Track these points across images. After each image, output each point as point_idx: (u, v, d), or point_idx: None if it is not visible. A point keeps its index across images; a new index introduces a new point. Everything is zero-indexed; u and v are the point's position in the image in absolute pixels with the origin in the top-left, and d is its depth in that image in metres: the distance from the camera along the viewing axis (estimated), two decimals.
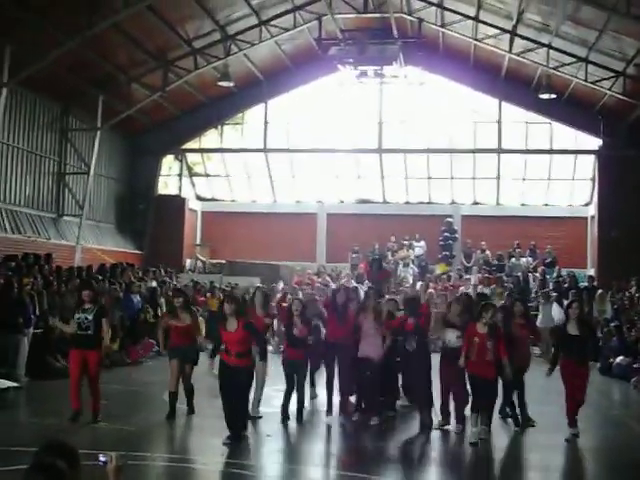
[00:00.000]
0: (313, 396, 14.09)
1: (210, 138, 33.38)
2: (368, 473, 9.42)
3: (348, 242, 30.40)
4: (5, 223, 23.58)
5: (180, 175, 33.46)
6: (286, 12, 26.71)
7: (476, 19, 25.81)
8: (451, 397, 12.02)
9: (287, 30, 27.29)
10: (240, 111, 32.68)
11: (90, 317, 11.63)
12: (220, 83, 27.67)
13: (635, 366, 18.01)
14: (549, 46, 25.30)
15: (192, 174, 34.28)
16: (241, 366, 10.53)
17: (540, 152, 31.07)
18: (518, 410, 12.16)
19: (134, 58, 25.76)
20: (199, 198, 34.32)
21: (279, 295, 22.56)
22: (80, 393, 11.53)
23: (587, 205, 31.24)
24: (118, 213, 30.94)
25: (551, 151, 30.93)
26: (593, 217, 30.10)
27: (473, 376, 11.24)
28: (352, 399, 12.95)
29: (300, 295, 20.18)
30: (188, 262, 32.14)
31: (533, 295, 25.96)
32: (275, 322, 15.33)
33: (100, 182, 29.41)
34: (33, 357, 16.02)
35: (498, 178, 31.72)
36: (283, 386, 12.39)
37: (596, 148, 29.75)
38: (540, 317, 22.20)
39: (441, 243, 30.59)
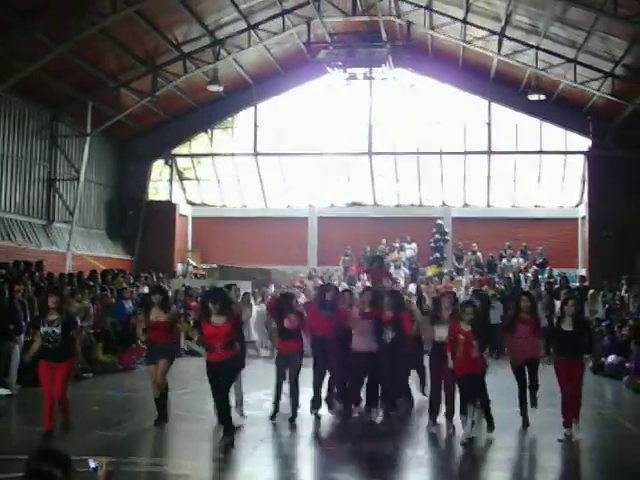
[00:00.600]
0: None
1: (200, 142, 33.38)
2: (361, 476, 9.43)
3: (339, 245, 30.42)
4: None
5: (170, 180, 33.42)
6: (275, 16, 26.72)
7: (464, 21, 25.85)
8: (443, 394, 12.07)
9: (276, 34, 27.32)
10: (230, 115, 32.70)
11: (58, 330, 10.86)
12: (209, 87, 27.66)
13: (627, 365, 18.04)
14: (538, 47, 25.36)
15: (182, 179, 34.26)
16: (229, 357, 10.49)
17: (530, 153, 31.14)
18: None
19: (123, 63, 25.74)
20: (190, 203, 34.30)
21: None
22: (54, 411, 10.91)
23: (577, 206, 31.34)
24: (108, 219, 30.87)
25: (541, 152, 30.99)
26: (584, 217, 30.18)
27: (460, 377, 11.13)
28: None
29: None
30: (179, 267, 32.09)
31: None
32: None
33: (90, 188, 29.35)
34: (25, 365, 15.94)
35: (488, 179, 31.80)
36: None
37: (586, 149, 29.84)
38: None
39: (432, 245, 30.67)
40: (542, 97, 27.05)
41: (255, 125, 32.46)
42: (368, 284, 23.81)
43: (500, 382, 12.79)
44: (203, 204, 34.34)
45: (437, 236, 30.76)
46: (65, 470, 4.01)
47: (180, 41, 25.82)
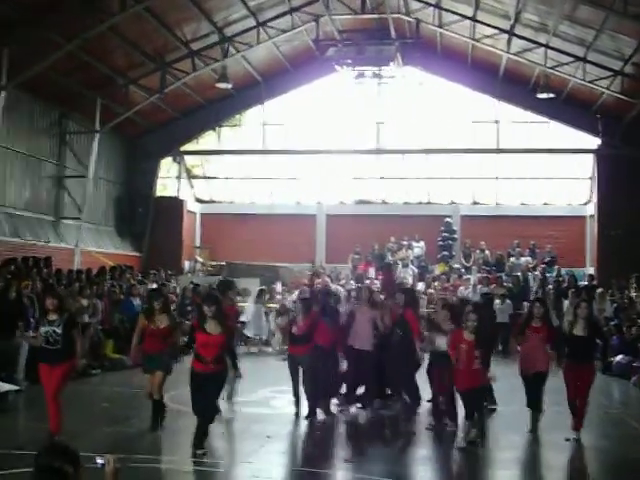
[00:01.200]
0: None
1: (208, 140, 33.40)
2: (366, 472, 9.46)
3: (347, 243, 30.39)
4: (4, 227, 23.56)
5: (179, 177, 33.45)
6: (284, 14, 26.70)
7: (474, 19, 25.81)
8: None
9: (285, 31, 27.30)
10: (238, 112, 32.71)
11: (59, 330, 10.55)
12: (218, 85, 27.64)
13: (635, 365, 18.02)
14: (547, 46, 25.30)
15: (191, 176, 34.30)
16: (217, 373, 10.07)
17: (539, 151, 31.08)
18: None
19: (132, 61, 25.76)
20: (198, 200, 34.33)
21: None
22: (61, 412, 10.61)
23: (586, 204, 31.25)
24: (117, 216, 30.90)
25: (550, 150, 30.92)
26: (592, 216, 30.11)
27: (461, 392, 11.00)
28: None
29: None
30: (187, 264, 32.14)
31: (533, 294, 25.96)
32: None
33: (99, 185, 29.37)
34: (33, 361, 15.98)
35: (497, 178, 31.79)
36: (283, 387, 12.43)
37: (595, 147, 29.77)
38: None
39: (440, 243, 30.61)
40: (551, 95, 27.00)
41: (263, 123, 32.49)
42: (377, 282, 23.98)
43: (506, 381, 12.76)
44: (211, 201, 34.36)
45: (445, 234, 30.70)
46: (75, 466, 4.04)
47: (189, 38, 25.83)
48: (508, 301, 22.94)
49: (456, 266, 29.20)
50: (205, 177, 34.39)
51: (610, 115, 28.19)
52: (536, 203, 31.89)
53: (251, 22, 26.42)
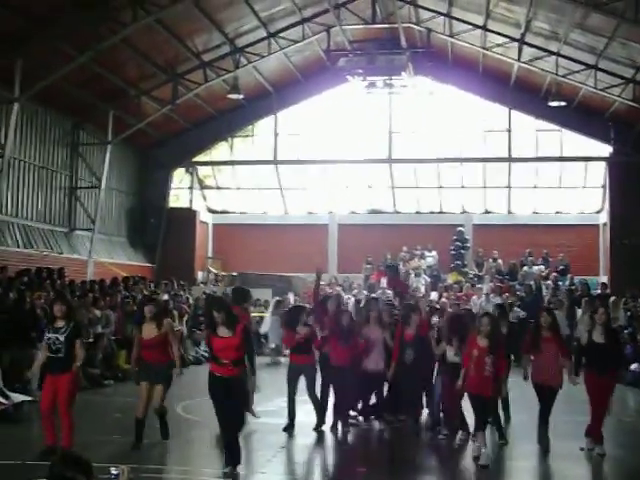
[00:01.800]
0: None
1: (220, 151, 33.50)
2: None
3: (360, 253, 30.41)
4: (18, 238, 23.68)
5: (191, 188, 33.54)
6: (295, 24, 26.79)
7: (484, 28, 25.83)
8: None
9: (296, 42, 27.39)
10: (250, 123, 32.76)
11: (62, 338, 10.25)
12: (230, 96, 27.74)
13: None
14: (558, 54, 25.29)
15: (203, 187, 34.39)
16: (236, 376, 9.61)
17: (550, 160, 31.05)
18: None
19: (144, 72, 25.88)
20: (210, 211, 34.40)
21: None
22: (54, 425, 10.33)
23: (599, 212, 31.15)
24: (130, 227, 31.01)
25: (561, 159, 30.89)
26: (605, 224, 30.01)
27: (471, 395, 10.77)
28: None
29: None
30: (200, 275, 32.19)
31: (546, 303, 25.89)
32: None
33: (111, 196, 29.49)
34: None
35: (509, 187, 31.74)
36: (299, 397, 12.40)
37: (607, 155, 29.72)
38: None
39: (452, 252, 30.57)
40: (563, 104, 26.97)
41: (275, 133, 32.55)
42: (388, 290, 23.95)
43: (519, 389, 12.71)
44: (224, 212, 34.42)
45: (458, 243, 30.66)
46: (87, 476, 4.05)
47: (200, 50, 25.94)
48: (516, 309, 22.92)
49: (470, 272, 29.16)
50: (217, 188, 34.46)
51: (622, 123, 28.13)
52: (548, 211, 31.82)
53: (262, 33, 26.52)
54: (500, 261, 29.58)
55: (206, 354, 20.95)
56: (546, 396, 11.20)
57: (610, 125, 28.74)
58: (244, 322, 10.94)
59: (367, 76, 25.92)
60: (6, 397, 13.15)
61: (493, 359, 10.49)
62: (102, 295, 21.07)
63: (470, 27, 26.12)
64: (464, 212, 32.37)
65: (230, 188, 34.19)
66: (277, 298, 24.60)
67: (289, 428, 12.25)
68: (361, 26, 26.27)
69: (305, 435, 12.08)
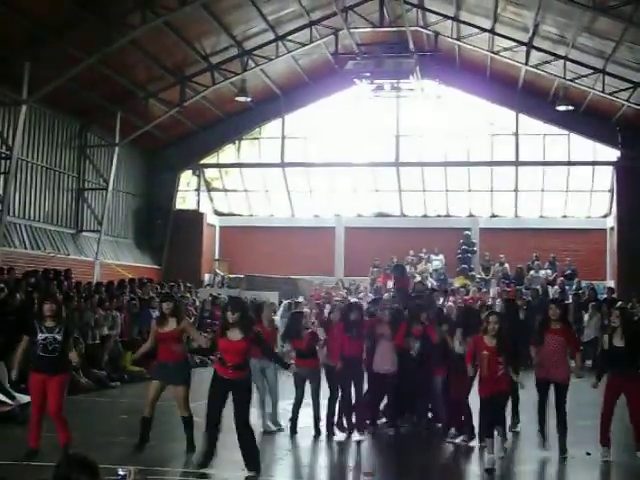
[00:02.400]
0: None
1: (228, 153, 33.54)
2: None
3: (366, 256, 30.42)
4: (25, 239, 23.75)
5: (198, 190, 33.57)
6: (302, 27, 26.83)
7: (492, 32, 25.83)
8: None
9: (304, 45, 27.40)
10: (257, 126, 32.81)
11: (59, 337, 10.01)
12: (237, 98, 27.81)
13: None
14: (566, 58, 25.28)
15: (210, 189, 34.44)
16: (240, 379, 9.51)
17: (558, 164, 31.02)
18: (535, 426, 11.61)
19: (152, 74, 25.93)
20: (217, 213, 34.44)
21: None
22: (40, 429, 10.08)
23: (606, 217, 31.11)
24: (136, 228, 31.07)
25: (569, 163, 30.85)
26: (612, 228, 29.98)
27: (485, 398, 10.26)
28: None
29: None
30: (207, 277, 32.22)
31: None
32: None
33: (118, 198, 29.56)
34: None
35: (516, 190, 31.71)
36: (305, 400, 12.38)
37: (614, 159, 29.69)
38: None
39: (459, 256, 30.56)
40: (570, 108, 26.98)
41: (283, 136, 32.57)
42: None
43: (527, 393, 12.63)
44: (230, 214, 34.45)
45: (464, 247, 30.66)
46: (93, 478, 4.05)
47: (208, 52, 25.98)
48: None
49: (477, 276, 29.13)
50: (224, 190, 34.50)
51: (630, 127, 28.11)
52: (555, 216, 31.79)
53: (270, 36, 26.55)
54: (507, 265, 29.57)
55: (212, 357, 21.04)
56: (555, 394, 10.94)
57: (618, 129, 28.73)
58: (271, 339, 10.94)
59: (375, 79, 25.92)
60: (12, 398, 13.14)
61: (505, 358, 10.19)
62: (109, 297, 21.08)
63: (478, 31, 26.12)
64: (471, 216, 32.36)
65: (237, 190, 34.23)
66: (288, 301, 24.48)
67: (291, 430, 12.24)
68: (369, 29, 26.29)
69: (311, 438, 12.06)
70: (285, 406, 12.82)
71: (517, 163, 31.12)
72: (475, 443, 11.27)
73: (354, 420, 12.45)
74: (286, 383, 12.82)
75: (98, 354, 18.17)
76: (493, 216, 32.35)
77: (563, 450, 10.78)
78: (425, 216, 32.78)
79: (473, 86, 30.49)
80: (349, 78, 26.29)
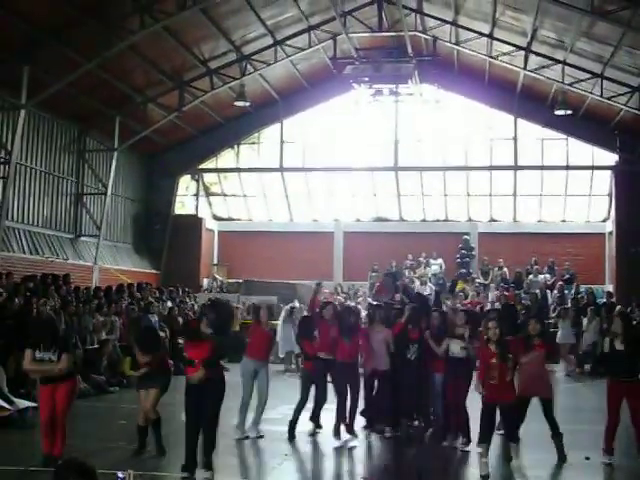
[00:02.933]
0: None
1: (226, 158, 33.51)
2: None
3: (365, 260, 30.40)
4: (23, 244, 23.73)
5: (197, 195, 33.57)
6: (301, 32, 26.84)
7: (491, 36, 25.85)
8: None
9: (302, 50, 27.43)
10: (256, 131, 32.81)
11: (54, 357, 10.17)
12: (236, 103, 27.82)
13: None
14: (564, 62, 25.29)
15: (209, 194, 34.43)
16: (211, 380, 9.42)
17: (556, 168, 31.02)
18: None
19: (150, 79, 25.95)
20: (216, 218, 34.43)
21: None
22: (53, 435, 10.25)
23: (604, 221, 31.13)
24: (135, 233, 31.07)
25: (567, 167, 30.86)
26: (611, 233, 29.99)
27: (489, 404, 10.10)
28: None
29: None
30: (205, 282, 32.19)
31: (552, 312, 25.82)
32: None
33: (117, 202, 29.57)
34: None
35: (514, 195, 31.71)
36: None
37: (613, 164, 29.71)
38: (560, 334, 22.39)
39: (458, 261, 30.56)
40: (569, 112, 27.00)
41: (281, 141, 32.57)
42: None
43: None
44: (229, 219, 34.45)
45: (463, 251, 30.68)
46: None
47: (207, 57, 26.00)
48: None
49: (476, 281, 29.11)
50: (223, 195, 34.49)
51: (628, 131, 28.13)
52: (554, 220, 31.80)
53: (269, 40, 26.56)
54: (506, 269, 29.58)
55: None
56: (543, 411, 10.90)
57: (616, 134, 28.74)
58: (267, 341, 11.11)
59: (373, 84, 25.90)
60: (11, 403, 13.12)
61: (511, 364, 10.09)
62: (107, 302, 21.06)
63: (476, 35, 26.14)
64: (470, 220, 32.37)
65: (236, 195, 34.23)
66: (289, 306, 24.40)
67: (289, 434, 12.23)
68: (367, 34, 26.29)
69: (309, 443, 12.05)
70: (285, 411, 12.81)
71: (516, 167, 31.12)
72: (472, 447, 11.22)
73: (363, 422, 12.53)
74: (282, 390, 12.81)
75: (97, 359, 18.16)
76: (492, 220, 32.36)
77: (562, 457, 10.79)
78: (424, 221, 32.79)
79: (472, 91, 30.51)
80: (348, 83, 26.25)
